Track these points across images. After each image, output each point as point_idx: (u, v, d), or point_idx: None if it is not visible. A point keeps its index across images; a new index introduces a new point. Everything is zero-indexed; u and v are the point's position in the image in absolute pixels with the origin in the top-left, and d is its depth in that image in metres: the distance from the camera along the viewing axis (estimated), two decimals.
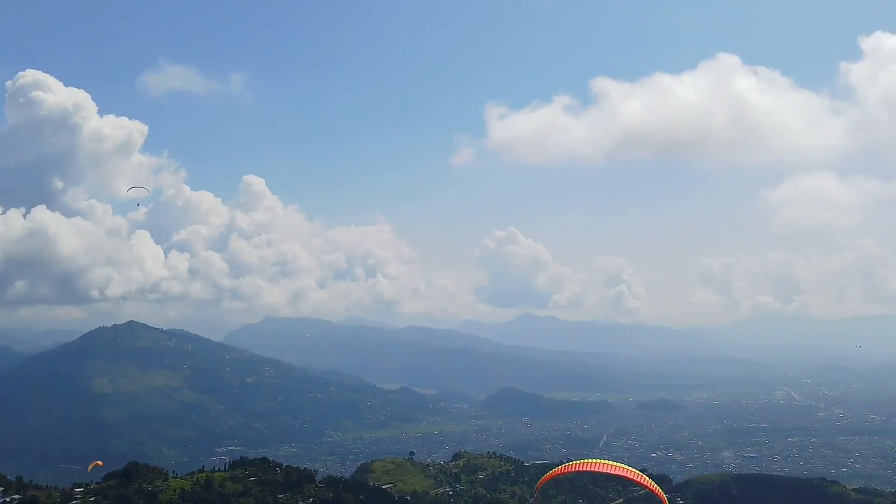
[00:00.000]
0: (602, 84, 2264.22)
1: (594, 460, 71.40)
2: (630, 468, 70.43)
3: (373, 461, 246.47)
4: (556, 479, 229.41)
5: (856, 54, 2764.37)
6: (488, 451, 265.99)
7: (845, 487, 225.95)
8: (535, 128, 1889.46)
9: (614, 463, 71.04)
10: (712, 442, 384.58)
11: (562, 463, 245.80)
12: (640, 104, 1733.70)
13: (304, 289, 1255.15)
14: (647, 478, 68.65)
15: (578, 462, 71.89)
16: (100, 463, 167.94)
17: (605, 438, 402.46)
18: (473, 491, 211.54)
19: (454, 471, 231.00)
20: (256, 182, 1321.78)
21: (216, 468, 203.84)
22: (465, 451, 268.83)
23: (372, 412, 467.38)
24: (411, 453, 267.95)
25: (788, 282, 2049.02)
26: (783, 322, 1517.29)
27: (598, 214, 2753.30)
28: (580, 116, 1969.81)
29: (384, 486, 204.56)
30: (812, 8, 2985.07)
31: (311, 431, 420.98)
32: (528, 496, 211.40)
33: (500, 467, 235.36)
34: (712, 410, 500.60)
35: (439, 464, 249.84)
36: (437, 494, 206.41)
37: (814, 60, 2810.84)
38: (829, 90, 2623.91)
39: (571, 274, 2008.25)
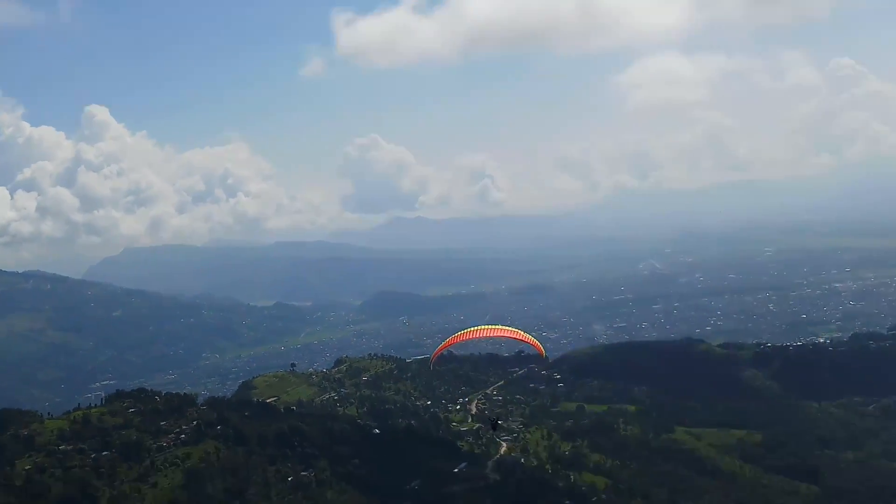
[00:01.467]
0: None
1: (480, 327, 72.48)
2: (509, 328, 71.99)
3: (254, 378, 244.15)
4: (437, 372, 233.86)
5: None
6: (370, 354, 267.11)
7: (711, 344, 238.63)
8: (384, 31, 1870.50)
9: (497, 326, 72.68)
10: (583, 317, 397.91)
11: (441, 354, 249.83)
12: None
13: (162, 216, 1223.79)
14: (525, 334, 70.64)
15: (466, 331, 72.70)
16: None
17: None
18: (358, 393, 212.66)
19: (337, 376, 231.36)
20: (100, 112, 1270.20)
21: (92, 405, 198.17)
22: (346, 357, 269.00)
23: (248, 330, 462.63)
24: (292, 365, 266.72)
25: (643, 159, 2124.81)
26: (642, 198, 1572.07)
27: (457, 112, 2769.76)
28: (429, 16, 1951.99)
29: (268, 400, 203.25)
30: None
31: (186, 357, 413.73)
32: (412, 391, 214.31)
33: (382, 367, 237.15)
34: (581, 288, 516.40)
35: (322, 371, 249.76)
36: (322, 401, 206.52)
37: None
38: None
39: (436, 174, 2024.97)
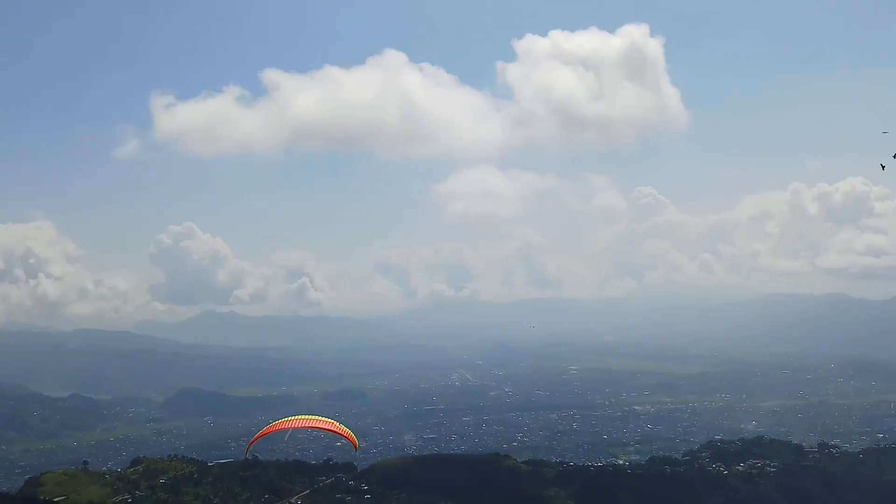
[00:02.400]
0: (273, 76, 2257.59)
1: (298, 416, 71.95)
2: (326, 419, 71.51)
3: (42, 474, 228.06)
4: (241, 477, 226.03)
5: (511, 55, 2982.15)
6: (169, 454, 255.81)
7: (516, 460, 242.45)
8: (205, 119, 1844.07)
9: (315, 417, 72.13)
10: (394, 426, 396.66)
11: (246, 459, 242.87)
12: (311, 97, 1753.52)
13: None
14: (340, 425, 70.35)
15: (285, 419, 71.88)
16: None
17: (289, 432, 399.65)
18: (154, 496, 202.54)
19: (133, 477, 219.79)
20: None
21: None
22: (144, 457, 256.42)
23: (39, 422, 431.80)
24: (85, 462, 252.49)
25: (460, 270, 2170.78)
26: (457, 308, 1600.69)
27: (278, 207, 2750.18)
28: (253, 108, 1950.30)
29: (56, 499, 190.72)
30: (470, 9, 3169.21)
31: None
32: (212, 496, 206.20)
33: (182, 469, 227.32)
34: (393, 396, 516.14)
35: (117, 471, 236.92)
36: (115, 503, 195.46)
37: (474, 59, 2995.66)
38: (490, 88, 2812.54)
39: (253, 268, 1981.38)
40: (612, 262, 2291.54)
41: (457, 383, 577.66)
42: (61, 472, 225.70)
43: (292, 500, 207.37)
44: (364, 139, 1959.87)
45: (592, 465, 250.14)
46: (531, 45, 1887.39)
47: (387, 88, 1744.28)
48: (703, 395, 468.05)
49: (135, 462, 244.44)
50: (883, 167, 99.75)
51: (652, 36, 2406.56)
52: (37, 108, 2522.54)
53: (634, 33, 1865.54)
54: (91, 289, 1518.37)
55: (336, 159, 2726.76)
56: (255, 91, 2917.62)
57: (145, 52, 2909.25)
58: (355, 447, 69.51)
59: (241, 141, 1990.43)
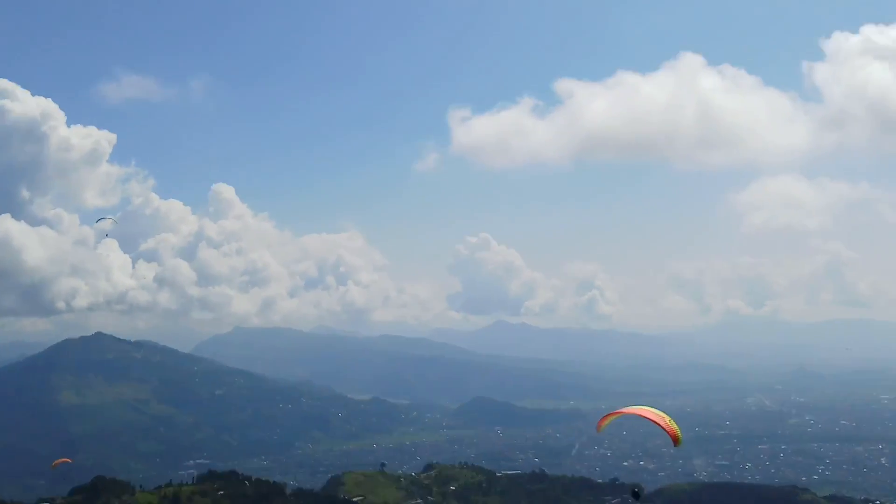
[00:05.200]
0: (566, 85, 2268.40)
1: (640, 406, 72.16)
2: (658, 411, 70.90)
3: (343, 473, 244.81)
4: (528, 490, 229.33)
5: (818, 54, 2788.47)
6: (460, 462, 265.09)
7: (815, 495, 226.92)
8: (499, 131, 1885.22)
9: (644, 407, 72.11)
10: (684, 450, 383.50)
11: (534, 472, 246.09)
12: (604, 104, 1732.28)
13: (274, 298, 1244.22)
14: (670, 421, 69.37)
15: (632, 407, 72.52)
16: (67, 459, 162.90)
17: (577, 447, 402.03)
18: (445, 502, 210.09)
19: (426, 482, 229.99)
20: (226, 190, 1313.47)
21: (184, 482, 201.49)
22: (436, 462, 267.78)
23: (343, 423, 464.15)
24: (382, 465, 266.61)
25: (759, 286, 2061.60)
26: (755, 327, 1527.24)
27: (568, 219, 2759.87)
28: (545, 118, 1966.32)
29: (355, 499, 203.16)
30: (771, 8, 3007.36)
31: (280, 443, 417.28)
32: None
33: (472, 478, 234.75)
34: (684, 417, 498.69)
35: (411, 475, 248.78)
36: None
37: (777, 59, 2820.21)
38: (797, 89, 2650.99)
39: (544, 280, 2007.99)
40: None
41: (753, 408, 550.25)
42: (361, 472, 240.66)
43: None
44: (659, 147, 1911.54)
45: None
46: (841, 42, 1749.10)
47: (683, 93, 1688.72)
48: None
49: (428, 467, 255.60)
50: None
51: None
52: (346, 125, 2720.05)
53: None
54: (394, 296, 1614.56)
55: (627, 169, 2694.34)
56: (549, 101, 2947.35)
57: (442, 68, 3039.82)
58: (676, 443, 67.98)
59: (534, 151, 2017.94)
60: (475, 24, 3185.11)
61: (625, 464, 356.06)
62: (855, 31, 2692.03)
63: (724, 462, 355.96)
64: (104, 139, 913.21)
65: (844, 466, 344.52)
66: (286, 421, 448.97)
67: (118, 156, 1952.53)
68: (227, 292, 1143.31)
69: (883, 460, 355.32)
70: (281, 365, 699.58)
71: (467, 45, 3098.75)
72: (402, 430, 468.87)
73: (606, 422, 76.78)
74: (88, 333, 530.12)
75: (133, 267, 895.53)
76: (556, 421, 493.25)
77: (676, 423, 69.33)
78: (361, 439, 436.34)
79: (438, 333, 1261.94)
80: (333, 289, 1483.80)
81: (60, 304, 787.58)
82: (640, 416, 70.94)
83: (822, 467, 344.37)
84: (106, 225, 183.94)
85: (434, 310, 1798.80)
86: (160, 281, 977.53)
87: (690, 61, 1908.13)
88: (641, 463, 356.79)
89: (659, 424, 68.75)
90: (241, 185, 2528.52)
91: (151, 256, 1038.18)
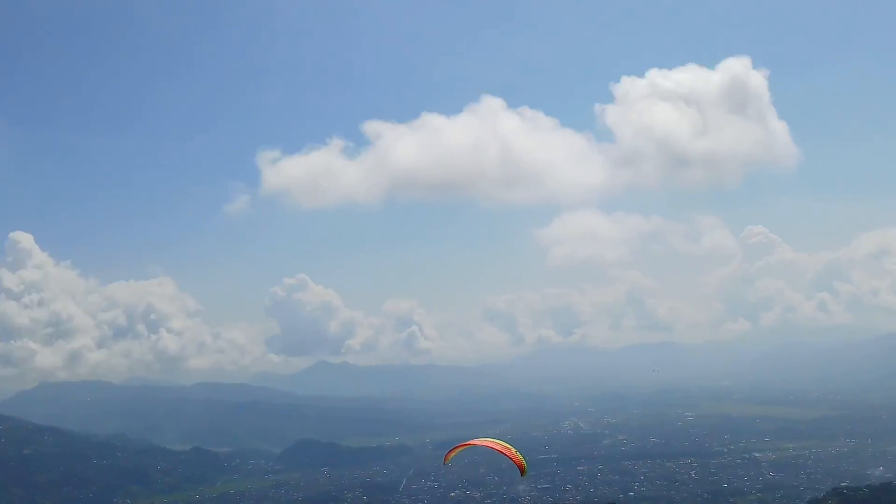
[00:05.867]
0: (374, 126, 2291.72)
1: (481, 438, 75.36)
2: (503, 443, 74.30)
3: None
4: None
5: (608, 97, 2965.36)
6: None
7: None
8: (310, 172, 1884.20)
9: (489, 439, 75.56)
10: (507, 476, 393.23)
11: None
12: (411, 145, 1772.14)
13: (81, 349, 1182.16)
14: (515, 451, 73.09)
15: (474, 440, 75.47)
16: None
17: (404, 482, 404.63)
18: None
19: None
20: (24, 239, 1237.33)
21: None
22: None
23: (162, 476, 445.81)
24: None
25: (567, 315, 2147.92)
26: (566, 354, 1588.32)
27: (384, 256, 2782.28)
28: (355, 159, 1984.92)
29: None
30: (564, 54, 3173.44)
31: (97, 501, 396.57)
32: None
33: None
34: None
35: None
36: None
37: (572, 102, 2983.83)
38: (591, 130, 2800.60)
39: (363, 318, 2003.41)
40: (725, 303, 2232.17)
41: (569, 431, 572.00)
42: None
43: None
44: (465, 186, 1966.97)
45: None
46: (628, 86, 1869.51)
47: (485, 134, 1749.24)
48: (825, 440, 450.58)
49: None
50: None
51: (755, 68, 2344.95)
52: (152, 171, 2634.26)
53: (736, 66, 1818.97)
54: (209, 342, 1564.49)
55: (438, 207, 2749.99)
56: (358, 142, 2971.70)
57: (252, 112, 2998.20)
58: (522, 473, 72.34)
59: (345, 192, 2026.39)
60: (283, 65, 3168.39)
61: (452, 494, 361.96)
62: (641, 75, 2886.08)
63: (546, 485, 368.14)
64: None
65: (658, 482, 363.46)
66: (101, 477, 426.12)
67: None
68: (29, 346, 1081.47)
69: (693, 474, 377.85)
70: (92, 420, 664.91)
71: (274, 85, 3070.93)
72: (225, 478, 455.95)
73: (453, 453, 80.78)
74: None
75: None
76: (382, 457, 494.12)
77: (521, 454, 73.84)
78: (183, 491, 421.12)
79: (258, 377, 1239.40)
80: (144, 337, 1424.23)
81: None
82: (487, 447, 75.06)
83: (637, 483, 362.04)
84: None
85: (252, 353, 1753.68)
86: None
87: (491, 104, 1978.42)
88: (468, 492, 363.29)
89: (506, 455, 72.94)
90: (41, 233, 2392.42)
91: None
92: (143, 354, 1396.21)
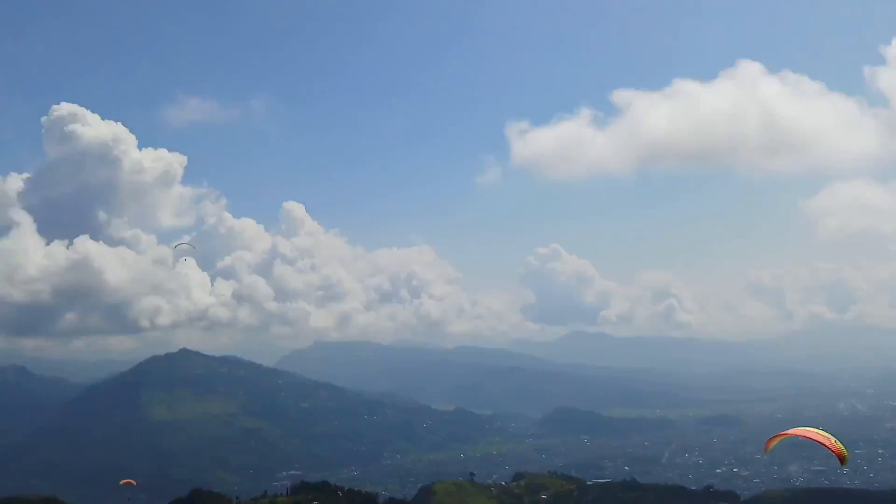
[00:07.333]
0: (624, 95, 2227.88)
1: (804, 428, 69.72)
2: (817, 430, 68.50)
3: (434, 483, 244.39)
4: (621, 498, 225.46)
5: (879, 59, 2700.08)
6: (549, 471, 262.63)
7: None
8: (559, 143, 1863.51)
9: (809, 428, 69.86)
10: (778, 456, 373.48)
11: (625, 481, 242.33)
12: (664, 114, 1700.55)
13: (350, 312, 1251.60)
14: (835, 441, 66.99)
15: (797, 429, 70.27)
16: (131, 481, 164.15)
17: (667, 455, 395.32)
18: None
19: (516, 491, 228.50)
20: (296, 208, 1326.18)
21: (279, 493, 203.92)
22: (525, 472, 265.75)
23: (428, 434, 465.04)
24: (472, 474, 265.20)
25: (842, 291, 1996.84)
26: (841, 332, 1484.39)
27: (637, 228, 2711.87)
28: (604, 129, 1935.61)
29: None
30: (828, 16, 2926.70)
31: (369, 454, 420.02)
32: None
33: (562, 487, 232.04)
34: (775, 424, 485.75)
35: (501, 484, 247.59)
36: None
37: (838, 65, 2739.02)
38: (863, 94, 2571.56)
39: (618, 289, 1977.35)
40: None
41: (845, 413, 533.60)
42: (451, 482, 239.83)
43: None
44: (723, 155, 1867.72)
45: None
46: None
47: (744, 100, 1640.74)
48: None
49: (517, 476, 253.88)
50: None
51: None
52: (408, 142, 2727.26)
53: None
54: (468, 308, 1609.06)
55: (693, 177, 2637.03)
56: (607, 112, 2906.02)
57: (498, 82, 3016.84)
58: (843, 462, 65.82)
59: (595, 163, 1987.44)
60: (530, 37, 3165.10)
61: (718, 471, 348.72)
62: None
63: (820, 467, 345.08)
64: (175, 161, 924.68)
65: None
66: (372, 432, 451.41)
67: (190, 177, 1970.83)
68: (304, 307, 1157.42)
69: None
70: (363, 378, 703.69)
71: (522, 58, 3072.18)
72: (487, 440, 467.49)
73: (775, 442, 74.74)
74: (173, 350, 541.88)
75: (212, 284, 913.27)
76: (642, 429, 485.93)
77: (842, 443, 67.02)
78: (448, 449, 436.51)
79: (516, 344, 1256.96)
80: (408, 302, 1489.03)
81: (144, 322, 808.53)
82: (807, 438, 68.65)
83: None
84: (184, 249, 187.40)
85: (509, 321, 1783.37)
86: (238, 298, 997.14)
87: (749, 69, 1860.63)
88: (735, 470, 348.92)
89: (825, 445, 66.67)
90: (311, 203, 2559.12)
91: (229, 274, 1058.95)
92: (408, 318, 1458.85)
